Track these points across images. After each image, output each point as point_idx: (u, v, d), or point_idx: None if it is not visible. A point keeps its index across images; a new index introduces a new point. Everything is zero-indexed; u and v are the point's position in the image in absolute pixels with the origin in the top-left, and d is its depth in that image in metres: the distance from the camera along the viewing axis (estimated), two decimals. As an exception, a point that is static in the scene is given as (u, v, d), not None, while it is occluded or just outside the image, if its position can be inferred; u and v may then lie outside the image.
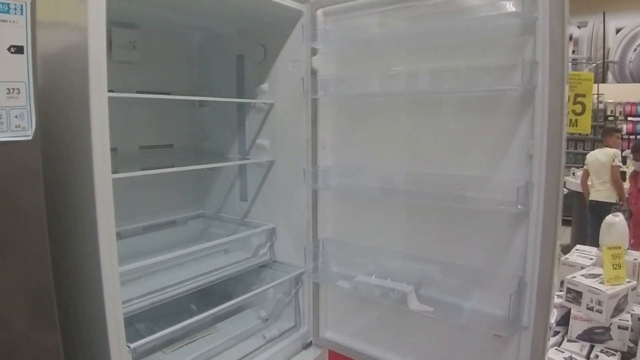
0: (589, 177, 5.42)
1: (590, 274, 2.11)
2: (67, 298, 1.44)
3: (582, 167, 5.86)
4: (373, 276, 1.78)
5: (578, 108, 4.70)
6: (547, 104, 1.42)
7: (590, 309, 1.96)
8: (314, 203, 2.01)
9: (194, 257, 2.14)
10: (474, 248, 1.64)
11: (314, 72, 1.90)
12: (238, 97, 2.28)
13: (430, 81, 1.64)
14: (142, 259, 1.77)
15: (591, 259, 2.35)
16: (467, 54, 1.58)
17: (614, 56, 8.91)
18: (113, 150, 2.19)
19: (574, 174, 6.47)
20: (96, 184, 1.35)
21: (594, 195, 5.29)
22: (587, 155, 5.64)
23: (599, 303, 1.93)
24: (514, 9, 1.44)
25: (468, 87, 1.57)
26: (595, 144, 8.11)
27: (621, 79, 8.89)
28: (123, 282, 1.54)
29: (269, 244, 2.20)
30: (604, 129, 6.19)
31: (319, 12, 1.90)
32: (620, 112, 8.36)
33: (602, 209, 4.85)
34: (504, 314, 1.49)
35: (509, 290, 1.48)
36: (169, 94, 2.34)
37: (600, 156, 5.32)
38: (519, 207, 1.41)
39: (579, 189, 5.65)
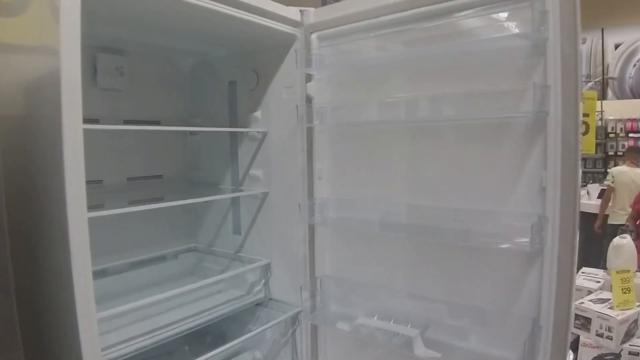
0: (613, 198, 4.92)
1: (599, 299, 2.05)
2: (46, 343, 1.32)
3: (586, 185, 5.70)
4: (375, 317, 1.65)
5: (582, 128, 4.58)
6: (560, 132, 1.31)
7: (600, 335, 1.91)
8: (310, 237, 1.89)
9: (185, 296, 2.01)
10: (483, 287, 1.51)
11: (309, 99, 1.79)
12: (230, 125, 2.17)
13: (432, 108, 1.53)
14: (131, 296, 1.66)
15: (598, 281, 2.28)
16: (472, 79, 1.47)
17: (613, 72, 8.85)
18: (98, 182, 2.11)
19: (588, 192, 6.17)
20: (70, 223, 1.23)
21: (619, 219, 4.82)
22: (615, 174, 5.14)
23: (609, 329, 1.87)
24: (521, 30, 1.34)
25: (473, 115, 1.46)
26: (596, 162, 8.03)
27: (621, 95, 8.81)
28: (106, 325, 1.44)
29: (263, 280, 2.07)
30: (629, 148, 5.95)
31: (314, 36, 1.80)
32: (621, 129, 8.27)
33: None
34: (517, 358, 1.37)
35: (522, 333, 1.36)
36: (159, 122, 2.25)
37: (637, 178, 4.85)
38: (534, 244, 1.29)
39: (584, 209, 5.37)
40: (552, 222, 1.34)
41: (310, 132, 1.84)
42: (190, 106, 2.36)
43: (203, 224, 2.40)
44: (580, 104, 1.33)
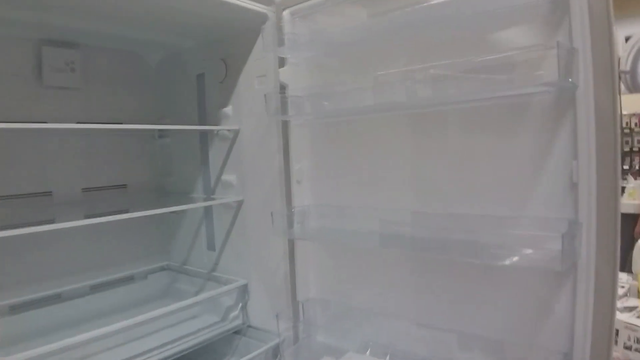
0: None
1: (625, 307, 1.87)
2: None
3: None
4: (368, 352, 1.34)
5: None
6: (593, 109, 1.01)
7: (629, 348, 1.74)
8: (290, 253, 1.59)
9: (152, 324, 1.71)
10: (501, 313, 1.20)
11: (282, 88, 1.50)
12: (200, 124, 1.88)
13: (434, 86, 1.20)
14: (89, 324, 1.43)
15: (622, 286, 2.04)
16: (482, 48, 1.16)
17: (624, 65, 8.49)
18: (46, 194, 1.83)
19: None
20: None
21: None
22: None
23: (638, 341, 1.71)
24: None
25: (483, 93, 1.16)
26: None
27: (634, 88, 8.43)
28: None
29: (240, 304, 1.77)
30: None
31: (286, 13, 1.51)
32: (635, 124, 7.90)
33: None
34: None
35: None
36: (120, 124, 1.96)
37: None
38: (566, 260, 0.97)
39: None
40: (587, 229, 1.03)
41: (286, 127, 1.55)
42: (157, 105, 2.08)
43: (175, 240, 2.11)
44: (617, 72, 1.02)
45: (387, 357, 1.29)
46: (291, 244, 1.58)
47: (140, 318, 1.46)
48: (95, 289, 1.91)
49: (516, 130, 1.14)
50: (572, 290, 1.08)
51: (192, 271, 2.00)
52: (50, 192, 1.81)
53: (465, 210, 1.23)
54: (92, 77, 1.90)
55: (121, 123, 1.95)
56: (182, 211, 2.04)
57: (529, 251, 1.10)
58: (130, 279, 2.03)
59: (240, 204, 1.76)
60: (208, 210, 1.92)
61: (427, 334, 1.29)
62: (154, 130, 2.08)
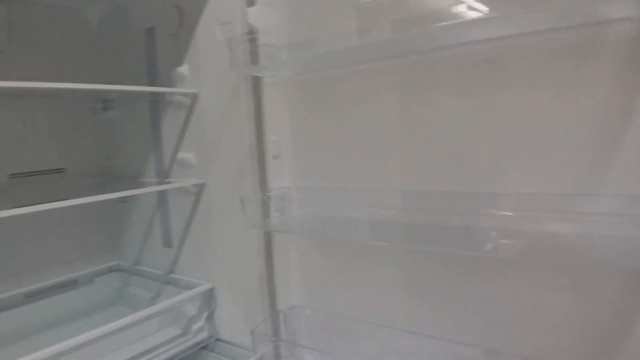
0: None
1: None
2: None
3: None
4: None
5: None
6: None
7: None
8: (267, 250, 1.24)
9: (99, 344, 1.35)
10: (542, 326, 0.88)
11: (252, 34, 1.13)
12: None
13: (456, 28, 0.85)
14: (24, 342, 1.23)
15: None
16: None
17: None
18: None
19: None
20: None
21: None
22: None
23: None
24: None
25: (527, 25, 0.81)
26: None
27: None
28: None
29: (206, 313, 1.41)
30: None
31: None
32: None
33: None
34: None
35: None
36: (54, 97, 1.57)
37: None
38: None
39: None
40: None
41: (258, 85, 1.19)
42: (99, 70, 1.69)
43: (126, 235, 1.74)
44: None
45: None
46: (267, 238, 1.23)
47: (81, 339, 1.11)
48: (30, 297, 1.55)
49: (577, 78, 0.81)
50: None
51: (147, 272, 1.64)
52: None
53: (505, 189, 0.89)
54: (21, 38, 1.52)
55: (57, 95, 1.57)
56: (132, 200, 1.67)
57: (596, 241, 0.77)
58: (73, 284, 1.66)
59: (201, 188, 1.39)
60: (162, 198, 1.55)
61: (446, 351, 0.96)
62: (96, 101, 1.69)
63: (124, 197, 1.69)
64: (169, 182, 1.45)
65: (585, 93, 0.80)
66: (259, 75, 1.17)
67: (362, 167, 1.08)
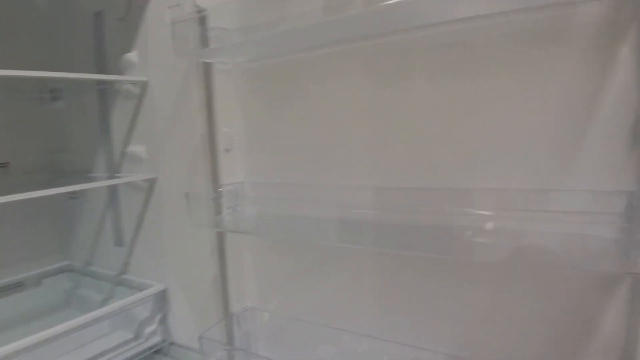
0: None
1: None
2: None
3: None
4: None
5: None
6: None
7: None
8: (220, 249, 1.16)
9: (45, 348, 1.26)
10: (514, 332, 0.82)
11: (202, 17, 1.05)
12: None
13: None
14: None
15: None
16: None
17: None
18: None
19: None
20: None
21: None
22: None
23: None
24: None
25: (497, 4, 0.75)
26: None
27: None
28: None
29: (159, 316, 1.33)
30: None
31: None
32: None
33: None
34: None
35: None
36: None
37: None
38: (627, 259, 0.60)
39: None
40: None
41: (209, 75, 1.10)
42: (47, 57, 1.58)
43: (76, 234, 1.64)
44: None
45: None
46: (221, 237, 1.15)
47: (25, 342, 1.03)
48: (-35, 301, 1.44)
49: (540, 64, 0.75)
50: (627, 301, 0.70)
51: (99, 273, 1.54)
52: None
53: (461, 183, 0.83)
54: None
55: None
56: (82, 197, 1.58)
57: (564, 244, 0.71)
58: (18, 286, 1.56)
59: (152, 183, 1.31)
60: (113, 194, 1.46)
61: (405, 355, 0.90)
62: (42, 91, 1.58)
63: (74, 194, 1.60)
64: (118, 177, 1.36)
65: (553, 78, 0.74)
66: (208, 61, 1.08)
67: (323, 161, 1.01)
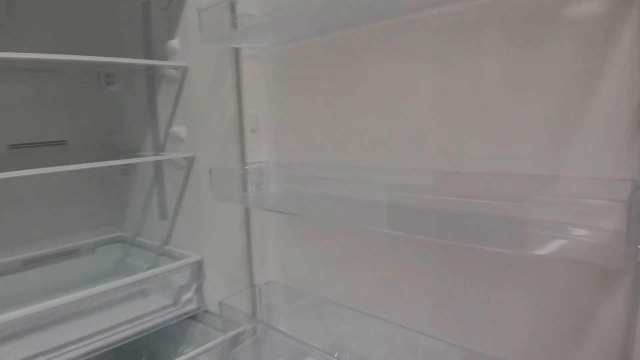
0: None
1: None
2: None
3: None
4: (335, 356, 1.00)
5: None
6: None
7: None
8: (247, 224, 1.24)
9: (91, 307, 1.40)
10: (514, 327, 0.84)
11: (229, 1, 1.12)
12: (146, 64, 1.52)
13: None
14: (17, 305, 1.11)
15: None
16: None
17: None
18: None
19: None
20: None
21: None
22: None
23: None
24: None
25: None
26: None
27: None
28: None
29: (195, 285, 1.44)
30: None
31: None
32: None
33: None
34: None
35: None
36: (58, 69, 1.60)
37: None
38: (630, 254, 0.59)
39: None
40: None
41: (238, 59, 1.18)
42: (100, 46, 1.71)
43: (127, 207, 1.78)
44: None
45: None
46: (247, 213, 1.23)
47: (67, 299, 1.17)
48: (29, 264, 1.60)
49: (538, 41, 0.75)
50: (629, 297, 0.70)
51: (145, 244, 1.67)
52: (-35, 147, 1.48)
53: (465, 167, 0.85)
54: (20, 12, 1.55)
55: (60, 69, 1.60)
56: (132, 174, 1.71)
57: (561, 237, 0.68)
58: (75, 252, 1.71)
59: (190, 161, 1.41)
60: (158, 172, 1.57)
61: (417, 343, 0.94)
62: (98, 75, 1.72)
63: (125, 171, 1.73)
64: (162, 156, 1.48)
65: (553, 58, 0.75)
66: (236, 46, 1.16)
67: (343, 143, 1.05)
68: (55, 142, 1.66)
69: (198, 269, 1.43)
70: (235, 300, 1.17)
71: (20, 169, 1.26)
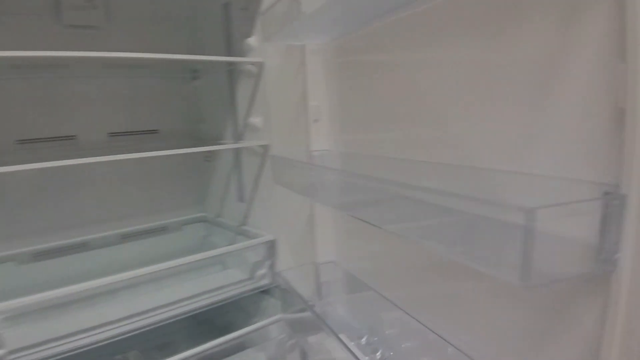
0: None
1: None
2: None
3: None
4: (364, 340, 1.09)
5: None
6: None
7: None
8: (311, 208, 1.36)
9: (174, 277, 1.59)
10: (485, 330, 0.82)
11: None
12: (227, 61, 1.67)
13: None
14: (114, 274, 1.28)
15: None
16: None
17: None
18: (70, 138, 1.73)
19: None
20: None
21: None
22: None
23: None
24: None
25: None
26: None
27: None
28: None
29: (268, 262, 1.58)
30: None
31: None
32: None
33: None
34: None
35: None
36: (147, 67, 1.80)
37: None
38: (601, 262, 0.57)
39: None
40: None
41: (303, 54, 1.29)
42: (187, 44, 1.89)
43: (210, 190, 1.96)
44: None
45: (378, 354, 1.02)
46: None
47: (160, 266, 1.36)
48: (125, 238, 1.82)
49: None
50: (601, 304, 0.61)
51: (225, 224, 1.84)
52: (75, 136, 1.71)
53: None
54: (116, 15, 1.75)
55: (148, 66, 1.79)
56: (214, 160, 1.88)
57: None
58: (163, 230, 1.92)
59: (265, 149, 1.54)
60: (237, 158, 1.73)
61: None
62: (185, 71, 1.90)
63: (208, 157, 1.91)
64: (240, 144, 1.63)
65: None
66: (295, 42, 1.26)
67: (399, 135, 1.05)
68: (147, 131, 1.86)
69: (271, 247, 1.57)
70: (295, 275, 1.29)
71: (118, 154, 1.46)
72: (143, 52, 1.53)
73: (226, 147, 1.63)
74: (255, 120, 1.57)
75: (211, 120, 1.86)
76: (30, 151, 1.61)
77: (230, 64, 1.65)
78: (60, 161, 1.17)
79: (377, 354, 1.04)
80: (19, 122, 1.60)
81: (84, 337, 1.26)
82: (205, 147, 1.56)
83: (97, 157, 1.24)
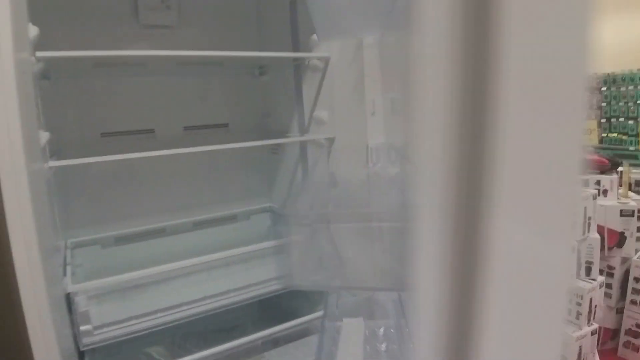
0: None
1: None
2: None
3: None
4: None
5: None
6: None
7: None
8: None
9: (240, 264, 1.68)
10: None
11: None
12: (293, 57, 1.73)
13: None
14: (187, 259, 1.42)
15: None
16: None
17: None
18: (149, 132, 1.85)
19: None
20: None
21: None
22: None
23: None
24: None
25: None
26: None
27: None
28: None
29: (332, 252, 1.63)
30: None
31: None
32: None
33: None
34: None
35: None
36: (220, 63, 1.90)
37: None
38: None
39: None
40: None
41: (361, 49, 1.33)
42: (256, 41, 1.97)
43: (276, 182, 2.04)
44: None
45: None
46: (374, 188, 1.38)
47: (225, 254, 1.47)
48: (198, 225, 1.92)
49: None
50: None
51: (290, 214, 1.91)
52: (153, 129, 1.82)
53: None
54: (188, 15, 1.84)
55: (221, 63, 1.88)
56: (281, 153, 1.95)
57: None
58: (233, 218, 2.01)
59: (331, 142, 1.59)
60: (303, 151, 1.79)
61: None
62: (253, 67, 1.98)
63: (275, 150, 1.98)
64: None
65: None
66: (348, 38, 1.30)
67: None
68: (218, 124, 1.96)
69: (334, 237, 1.62)
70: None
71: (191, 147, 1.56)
72: (213, 49, 1.63)
73: (293, 140, 1.70)
74: (321, 113, 1.62)
75: (278, 114, 1.93)
76: (113, 144, 1.74)
77: (296, 59, 1.71)
78: (139, 153, 1.27)
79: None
80: (103, 117, 1.73)
81: (161, 317, 1.35)
82: (273, 140, 1.64)
83: (172, 150, 1.34)
